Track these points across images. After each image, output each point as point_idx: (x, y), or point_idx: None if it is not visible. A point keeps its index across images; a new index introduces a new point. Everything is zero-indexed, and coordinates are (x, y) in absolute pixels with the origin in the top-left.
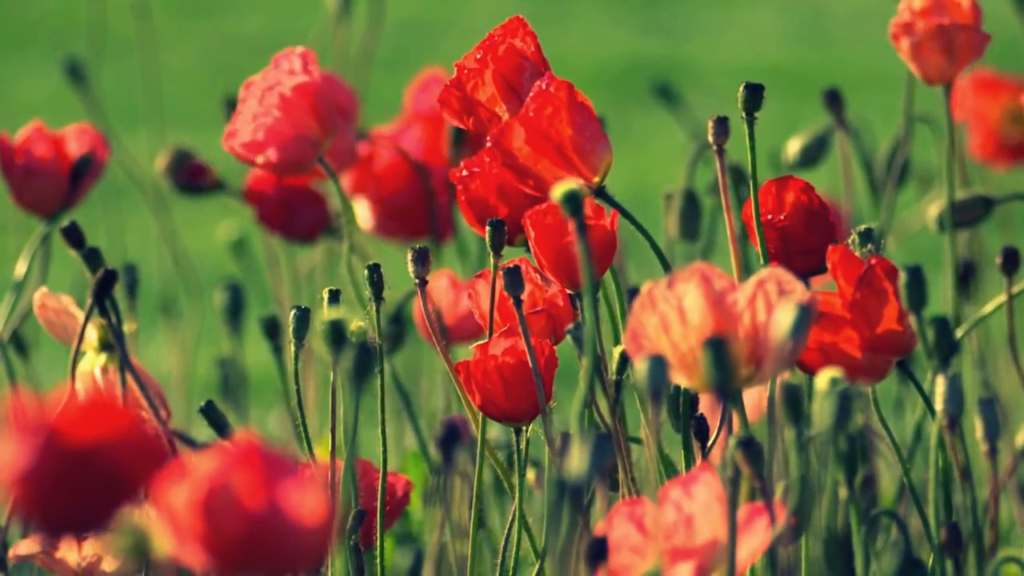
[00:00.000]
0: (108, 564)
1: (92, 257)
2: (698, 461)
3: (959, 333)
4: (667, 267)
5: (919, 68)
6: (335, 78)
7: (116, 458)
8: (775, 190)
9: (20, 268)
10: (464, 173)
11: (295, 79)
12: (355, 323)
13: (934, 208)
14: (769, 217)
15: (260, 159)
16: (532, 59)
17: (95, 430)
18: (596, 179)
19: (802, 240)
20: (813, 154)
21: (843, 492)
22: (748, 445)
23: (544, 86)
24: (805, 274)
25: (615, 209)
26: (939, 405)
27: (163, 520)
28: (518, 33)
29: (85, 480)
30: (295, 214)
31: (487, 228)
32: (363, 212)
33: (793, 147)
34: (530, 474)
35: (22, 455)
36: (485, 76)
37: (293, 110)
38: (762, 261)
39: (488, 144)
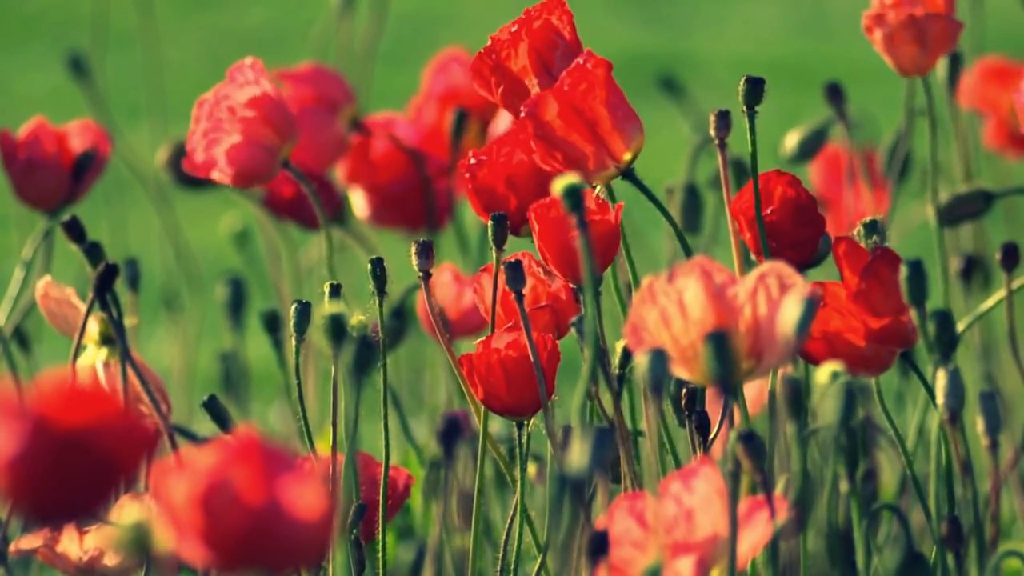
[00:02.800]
0: (110, 558)
1: (93, 251)
2: (699, 455)
3: (959, 327)
4: (687, 251)
5: (893, 59)
6: (325, 70)
7: (104, 443)
8: (762, 185)
9: (23, 261)
10: (472, 161)
11: (245, 91)
12: (356, 317)
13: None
14: None
15: (216, 174)
16: (566, 38)
17: (82, 416)
18: (626, 158)
19: (791, 234)
20: (811, 147)
21: (844, 486)
22: (749, 439)
23: (582, 62)
24: (795, 267)
25: (620, 203)
26: (940, 399)
27: (163, 515)
28: (555, 11)
29: (73, 466)
30: (304, 201)
31: (489, 223)
32: (359, 201)
33: (791, 140)
34: (531, 468)
35: (9, 441)
36: (519, 48)
37: (244, 122)
38: (762, 255)
39: (522, 113)
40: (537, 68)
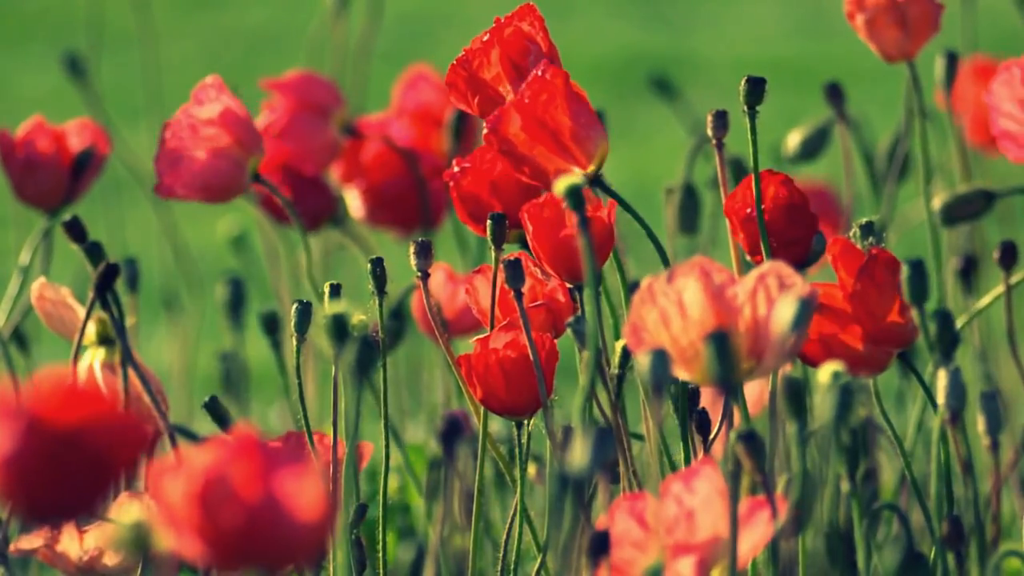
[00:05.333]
0: (110, 558)
1: (94, 251)
2: (699, 455)
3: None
4: (665, 259)
5: (876, 45)
6: (315, 76)
7: (99, 442)
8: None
9: (22, 261)
10: (456, 169)
11: (207, 108)
12: (357, 317)
13: (936, 200)
14: (749, 211)
15: (182, 191)
16: (539, 44)
17: (76, 414)
18: (591, 167)
19: (784, 233)
20: (814, 147)
21: (844, 486)
22: (749, 439)
23: (540, 73)
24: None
25: (612, 200)
26: (941, 399)
27: (161, 512)
28: (527, 18)
29: (68, 464)
30: (299, 202)
31: (488, 222)
32: (353, 202)
33: (793, 140)
34: (531, 468)
35: (5, 440)
36: (491, 56)
37: (207, 138)
38: (757, 255)
39: (486, 131)
40: (511, 75)
